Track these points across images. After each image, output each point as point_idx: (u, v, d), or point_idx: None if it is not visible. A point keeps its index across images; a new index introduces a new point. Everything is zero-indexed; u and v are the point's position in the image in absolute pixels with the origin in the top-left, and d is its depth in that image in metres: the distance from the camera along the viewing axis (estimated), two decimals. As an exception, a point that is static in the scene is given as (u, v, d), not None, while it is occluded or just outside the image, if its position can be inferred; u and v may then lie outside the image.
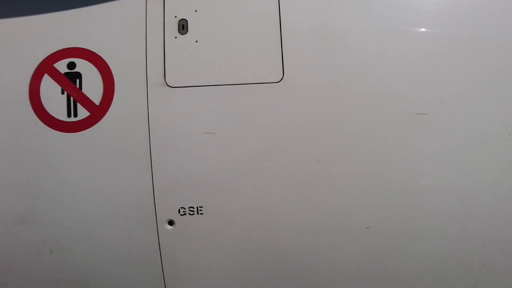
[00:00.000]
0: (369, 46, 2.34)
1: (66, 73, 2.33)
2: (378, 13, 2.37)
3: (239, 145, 2.30)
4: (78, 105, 2.31)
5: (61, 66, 2.33)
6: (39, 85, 2.32)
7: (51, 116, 2.31)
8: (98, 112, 2.30)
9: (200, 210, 2.32)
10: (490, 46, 2.35)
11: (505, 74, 2.33)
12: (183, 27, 2.36)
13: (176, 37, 2.35)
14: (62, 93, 2.32)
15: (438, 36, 2.35)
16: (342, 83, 2.32)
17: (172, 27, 2.35)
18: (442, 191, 2.33)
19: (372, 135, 2.31)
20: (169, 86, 2.31)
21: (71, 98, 2.31)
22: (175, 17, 2.36)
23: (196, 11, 2.37)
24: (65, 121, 2.31)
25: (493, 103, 2.32)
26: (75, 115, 2.31)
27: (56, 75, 2.32)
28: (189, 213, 2.34)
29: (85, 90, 2.32)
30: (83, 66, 2.33)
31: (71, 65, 2.33)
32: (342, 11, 2.36)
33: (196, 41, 2.35)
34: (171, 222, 2.35)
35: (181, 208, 2.32)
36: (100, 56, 2.33)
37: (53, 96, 2.31)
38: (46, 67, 2.33)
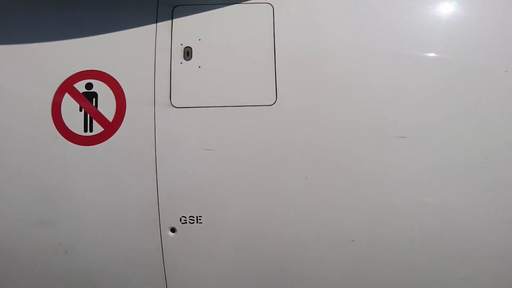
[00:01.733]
0: (356, 72, 2.56)
1: (84, 93, 2.62)
2: (366, 40, 2.59)
3: (235, 161, 2.55)
4: (94, 121, 2.60)
5: (80, 86, 2.63)
6: (61, 102, 2.62)
7: (70, 130, 2.60)
8: (111, 128, 2.58)
9: (199, 219, 2.56)
10: (470, 71, 2.53)
11: (483, 100, 2.51)
12: (188, 53, 2.63)
13: (181, 63, 2.62)
14: (80, 110, 2.61)
15: (420, 61, 2.55)
16: (330, 107, 2.54)
17: (178, 53, 2.63)
18: (422, 209, 2.52)
19: (357, 155, 2.53)
20: (174, 106, 2.58)
21: (88, 115, 2.60)
22: (181, 44, 2.64)
23: (199, 39, 2.64)
24: (82, 135, 2.60)
25: (471, 128, 2.50)
26: (91, 130, 2.60)
27: (75, 94, 2.62)
28: (189, 222, 2.58)
29: (100, 108, 2.60)
30: (99, 86, 2.62)
31: (89, 86, 2.63)
32: (331, 40, 2.59)
33: (199, 67, 2.62)
34: (173, 229, 2.61)
35: (182, 216, 2.57)
36: (114, 78, 2.62)
37: (72, 113, 2.61)
38: (67, 86, 2.63)
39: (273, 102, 2.56)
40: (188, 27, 2.66)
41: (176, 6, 2.69)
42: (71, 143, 2.60)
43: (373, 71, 2.54)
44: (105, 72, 2.63)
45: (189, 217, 2.57)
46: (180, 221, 2.58)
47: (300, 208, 2.55)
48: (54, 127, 2.61)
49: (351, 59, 2.56)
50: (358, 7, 2.65)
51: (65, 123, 2.61)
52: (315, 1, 2.67)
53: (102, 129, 2.59)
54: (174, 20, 2.67)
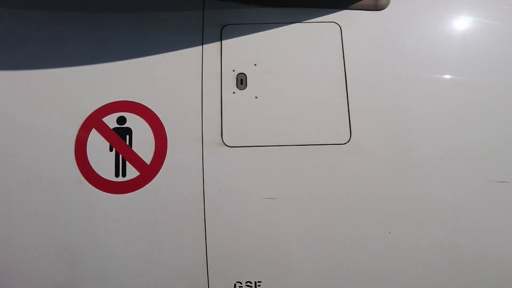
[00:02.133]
0: (443, 102, 2.15)
1: (115, 128, 2.16)
2: (454, 64, 2.20)
3: (302, 212, 2.08)
4: (127, 164, 2.13)
5: (111, 120, 2.17)
6: (86, 140, 2.15)
7: (97, 174, 2.13)
8: (148, 172, 2.11)
9: (259, 285, 2.07)
10: None
11: None
12: (241, 81, 2.19)
13: (234, 92, 2.18)
14: (111, 150, 2.14)
15: None
16: (415, 145, 2.11)
17: (230, 81, 2.19)
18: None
19: (448, 203, 2.08)
20: (226, 145, 2.13)
21: (120, 156, 2.13)
22: (233, 71, 2.21)
23: (255, 65, 2.21)
24: (112, 181, 2.12)
25: None
26: (124, 175, 2.12)
27: (104, 130, 2.15)
28: (245, 289, 2.10)
29: (135, 147, 2.14)
30: (133, 121, 2.16)
31: (121, 120, 2.16)
32: (410, 64, 2.19)
33: (256, 97, 2.18)
34: (225, 299, 2.11)
35: (237, 282, 2.08)
36: (152, 111, 2.17)
37: (100, 153, 2.14)
38: (94, 121, 2.16)
39: (347, 140, 2.12)
40: (241, 50, 2.23)
41: (226, 25, 2.26)
42: (98, 190, 2.12)
43: (466, 101, 2.12)
44: (141, 104, 2.18)
45: (246, 283, 2.08)
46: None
47: (383, 271, 2.07)
48: (78, 170, 2.13)
49: (437, 87, 2.14)
50: (439, 21, 2.26)
51: (92, 165, 2.13)
52: (386, 18, 2.26)
53: (138, 174, 2.12)
54: (223, 41, 2.24)
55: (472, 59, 2.22)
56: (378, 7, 2.28)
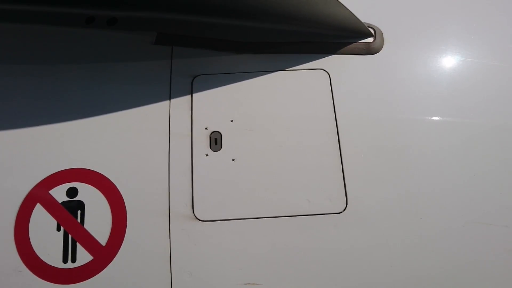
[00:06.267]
0: (451, 157, 1.84)
1: (64, 202, 1.78)
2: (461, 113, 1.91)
3: (292, 301, 1.70)
4: (78, 246, 1.75)
5: (59, 192, 1.81)
6: (29, 218, 1.78)
7: (41, 260, 1.74)
8: (103, 256, 1.73)
9: None
10: None
11: None
12: (215, 141, 1.86)
13: (207, 154, 1.85)
14: (58, 229, 1.77)
15: None
16: (424, 210, 1.77)
17: (202, 141, 1.86)
18: None
19: (460, 275, 1.73)
20: (198, 219, 1.77)
21: (69, 236, 1.76)
22: (206, 129, 1.88)
23: (231, 121, 1.89)
24: (59, 268, 1.74)
25: None
26: (73, 260, 1.74)
27: (51, 205, 1.79)
28: None
29: (88, 225, 1.76)
30: (86, 192, 1.80)
31: (72, 192, 1.80)
32: (415, 112, 1.89)
33: (233, 160, 1.84)
34: None
35: None
36: (108, 180, 1.81)
37: (45, 233, 1.76)
38: (39, 193, 1.80)
39: (343, 208, 1.78)
40: (214, 104, 1.91)
41: (197, 75, 1.95)
42: (42, 280, 1.73)
43: (477, 155, 1.81)
44: (95, 171, 1.82)
45: None
46: None
47: None
48: (18, 255, 1.74)
49: (445, 138, 1.84)
50: (437, 64, 1.99)
51: (34, 249, 1.75)
52: (380, 62, 1.98)
53: (91, 258, 1.74)
54: (194, 94, 1.93)
55: (476, 101, 1.93)
56: (370, 51, 2.00)
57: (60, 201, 1.79)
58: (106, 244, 1.75)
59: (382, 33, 2.04)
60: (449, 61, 2.03)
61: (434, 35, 2.07)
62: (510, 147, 1.86)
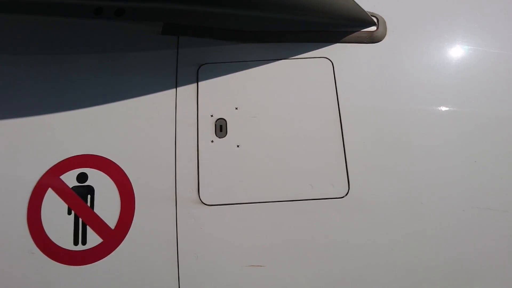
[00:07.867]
0: (452, 145, 1.86)
1: (75, 187, 1.85)
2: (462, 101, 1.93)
3: (294, 282, 1.74)
4: (88, 229, 1.81)
5: (70, 178, 1.87)
6: (41, 202, 1.84)
7: (53, 242, 1.81)
8: (113, 238, 1.79)
9: None
10: None
11: None
12: (221, 128, 1.91)
13: (212, 141, 1.89)
14: (69, 213, 1.83)
15: None
16: (425, 196, 1.80)
17: (208, 128, 1.91)
18: None
19: (460, 261, 1.76)
20: (204, 203, 1.82)
21: (80, 220, 1.82)
22: (211, 116, 1.93)
23: (236, 108, 1.94)
24: (71, 250, 1.80)
25: None
26: (84, 243, 1.80)
27: (62, 190, 1.85)
28: None
29: (98, 209, 1.82)
30: (96, 178, 1.86)
31: (82, 177, 1.86)
32: (417, 100, 1.91)
33: (238, 146, 1.88)
34: None
35: None
36: (117, 165, 1.87)
37: (57, 217, 1.82)
38: (51, 179, 1.86)
39: (345, 193, 1.82)
40: (219, 92, 1.96)
41: (202, 64, 2.00)
42: (54, 261, 1.80)
43: (478, 140, 1.83)
44: (104, 157, 1.88)
45: None
46: None
47: None
48: (31, 238, 1.81)
49: (446, 125, 1.86)
50: (440, 52, 2.01)
51: (47, 232, 1.81)
52: (383, 51, 2.00)
53: (101, 241, 1.80)
54: (200, 83, 1.97)
55: (479, 91, 1.95)
56: (373, 40, 2.03)
57: (70, 186, 1.85)
58: (115, 227, 1.81)
59: (385, 22, 2.07)
60: (452, 50, 2.04)
61: (437, 23, 2.09)
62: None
